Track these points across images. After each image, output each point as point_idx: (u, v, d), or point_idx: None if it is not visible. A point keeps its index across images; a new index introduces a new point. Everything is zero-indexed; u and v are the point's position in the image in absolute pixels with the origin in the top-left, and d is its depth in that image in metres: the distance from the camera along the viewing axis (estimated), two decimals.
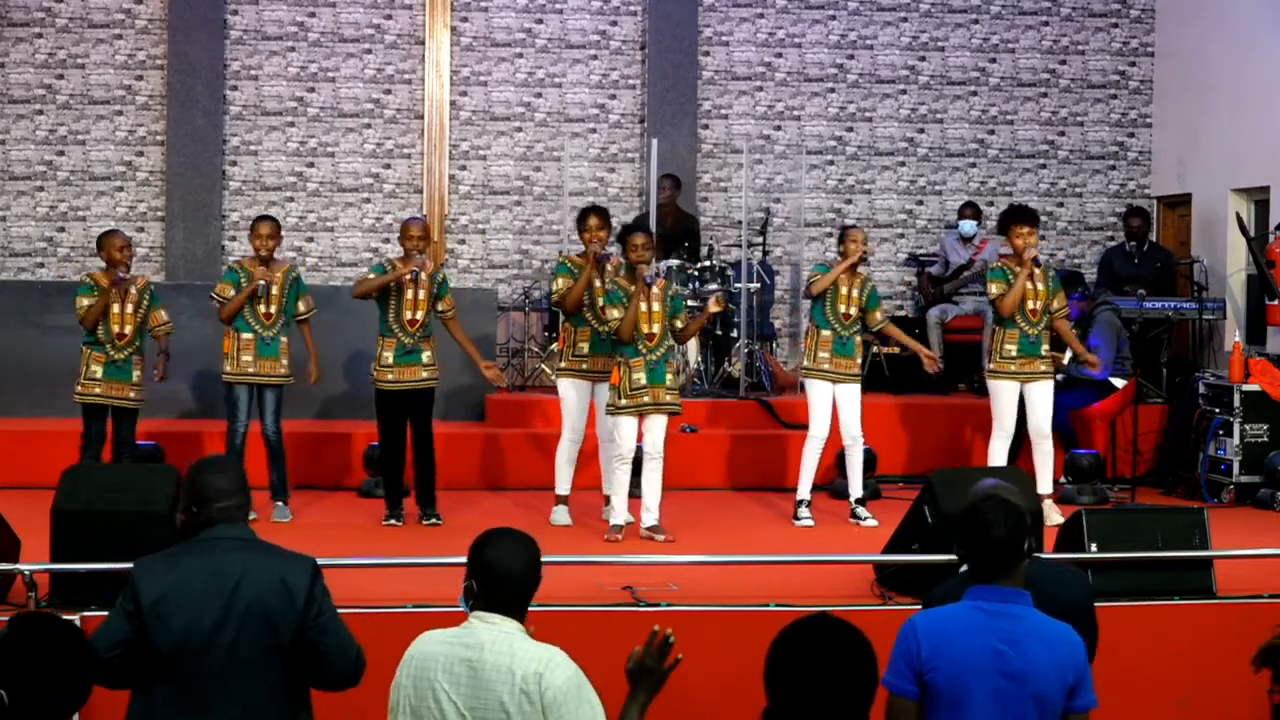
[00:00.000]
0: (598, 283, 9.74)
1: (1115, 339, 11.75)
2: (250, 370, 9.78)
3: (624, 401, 9.36)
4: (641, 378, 9.33)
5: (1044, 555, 7.18)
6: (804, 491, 10.01)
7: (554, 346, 12.82)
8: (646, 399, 9.35)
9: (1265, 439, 11.03)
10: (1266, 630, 7.70)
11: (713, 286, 12.73)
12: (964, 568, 5.12)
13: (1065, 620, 4.61)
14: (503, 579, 4.27)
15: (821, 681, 3.82)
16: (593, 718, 4.19)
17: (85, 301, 9.62)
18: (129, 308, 9.67)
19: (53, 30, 14.41)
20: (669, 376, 9.45)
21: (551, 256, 14.41)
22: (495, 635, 4.21)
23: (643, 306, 9.34)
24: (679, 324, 9.53)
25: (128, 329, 9.67)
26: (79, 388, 9.65)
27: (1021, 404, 9.98)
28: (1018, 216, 10.04)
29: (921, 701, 4.35)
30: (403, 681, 4.27)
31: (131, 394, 9.70)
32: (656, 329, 9.39)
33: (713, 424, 11.98)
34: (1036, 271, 9.97)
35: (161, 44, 14.42)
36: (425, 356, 9.81)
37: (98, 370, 9.63)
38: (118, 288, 9.62)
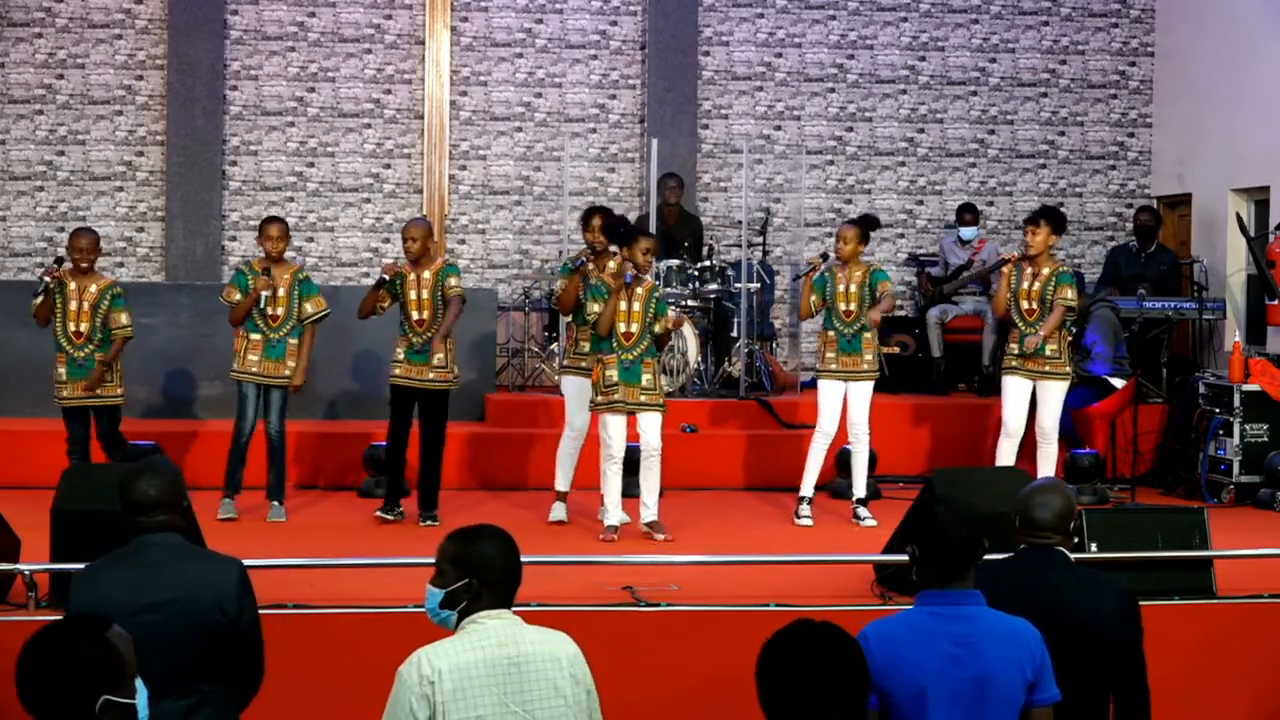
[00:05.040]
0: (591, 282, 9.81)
1: (1112, 336, 11.75)
2: (254, 370, 9.79)
3: (599, 398, 9.40)
4: (614, 375, 9.33)
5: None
6: (807, 489, 9.99)
7: (553, 347, 12.85)
8: (617, 396, 9.34)
9: (1265, 439, 11.03)
10: (1267, 630, 7.74)
11: (713, 287, 12.74)
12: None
13: (1098, 644, 4.63)
14: (510, 573, 4.28)
15: (821, 689, 3.79)
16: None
17: (35, 301, 9.61)
18: (84, 305, 9.62)
19: (53, 30, 14.41)
20: (646, 376, 9.39)
21: (552, 256, 14.42)
22: (515, 629, 4.21)
23: (621, 305, 9.36)
24: (656, 329, 9.45)
25: (83, 327, 9.61)
26: (53, 391, 9.66)
27: (1033, 403, 9.96)
28: (1028, 217, 10.12)
29: (883, 712, 4.35)
30: (440, 699, 4.06)
31: (100, 391, 9.62)
32: (635, 328, 9.38)
33: (713, 424, 11.98)
34: (1044, 271, 9.93)
35: (161, 44, 14.42)
36: (437, 358, 9.75)
37: (63, 371, 9.62)
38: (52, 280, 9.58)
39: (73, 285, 9.62)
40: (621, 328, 9.35)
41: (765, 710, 3.85)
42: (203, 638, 4.61)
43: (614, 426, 9.37)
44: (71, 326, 9.61)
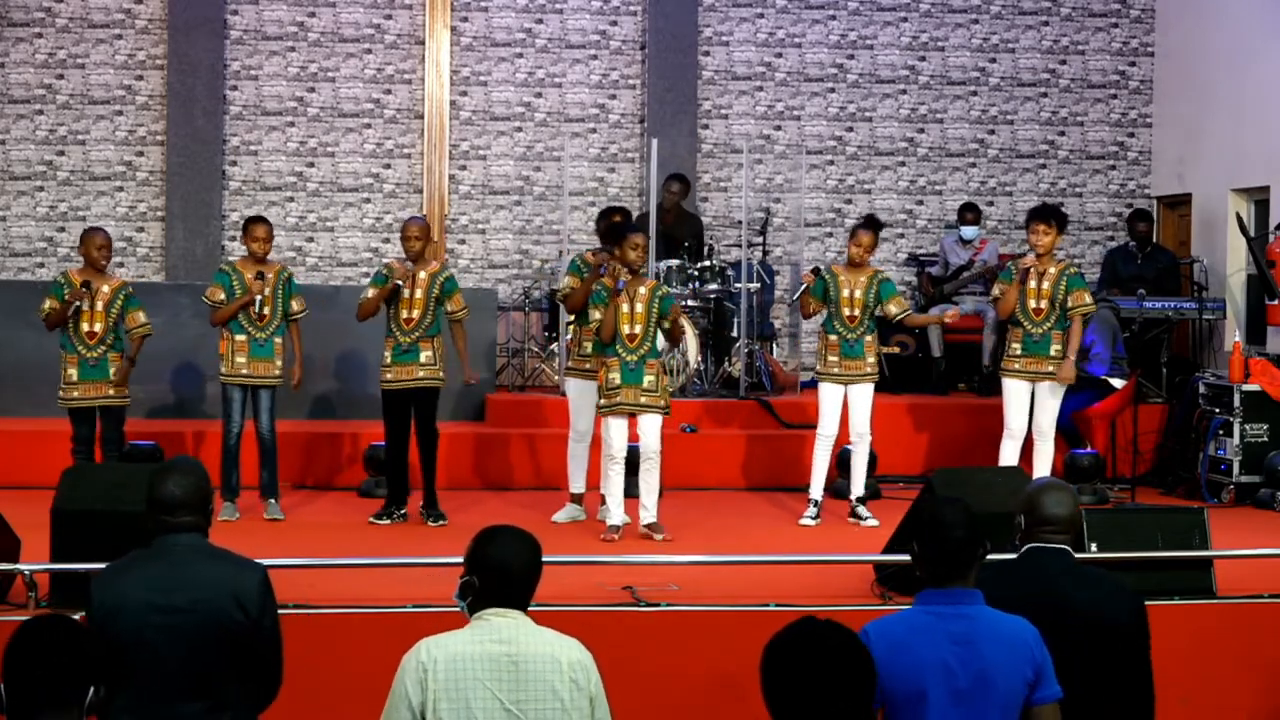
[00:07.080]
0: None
1: (1111, 337, 11.75)
2: (244, 371, 9.80)
3: (603, 401, 9.40)
4: (617, 378, 9.33)
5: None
6: (815, 492, 9.98)
7: (554, 346, 12.84)
8: (620, 399, 9.34)
9: (1265, 439, 11.02)
10: (1267, 630, 7.74)
11: (713, 287, 12.73)
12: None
13: (1107, 645, 4.62)
14: (511, 575, 4.28)
15: (825, 688, 3.79)
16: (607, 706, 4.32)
17: (48, 304, 9.62)
18: (98, 305, 9.62)
19: (53, 30, 14.41)
20: (648, 378, 9.38)
21: (552, 256, 14.42)
22: (521, 628, 4.22)
23: (624, 308, 9.34)
24: (665, 324, 9.47)
25: (97, 327, 9.61)
26: (60, 392, 9.65)
27: (1032, 403, 9.96)
28: (1033, 215, 10.03)
29: (880, 709, 4.35)
30: (433, 686, 4.12)
31: (110, 391, 9.64)
32: (638, 329, 9.37)
33: (713, 424, 11.98)
34: (1051, 271, 9.91)
35: (161, 44, 14.42)
36: (424, 356, 9.78)
37: (73, 373, 9.62)
38: (86, 290, 9.56)
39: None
40: (625, 329, 9.34)
41: (770, 708, 3.85)
42: (223, 640, 4.57)
43: (615, 428, 9.37)
44: (85, 327, 9.62)
